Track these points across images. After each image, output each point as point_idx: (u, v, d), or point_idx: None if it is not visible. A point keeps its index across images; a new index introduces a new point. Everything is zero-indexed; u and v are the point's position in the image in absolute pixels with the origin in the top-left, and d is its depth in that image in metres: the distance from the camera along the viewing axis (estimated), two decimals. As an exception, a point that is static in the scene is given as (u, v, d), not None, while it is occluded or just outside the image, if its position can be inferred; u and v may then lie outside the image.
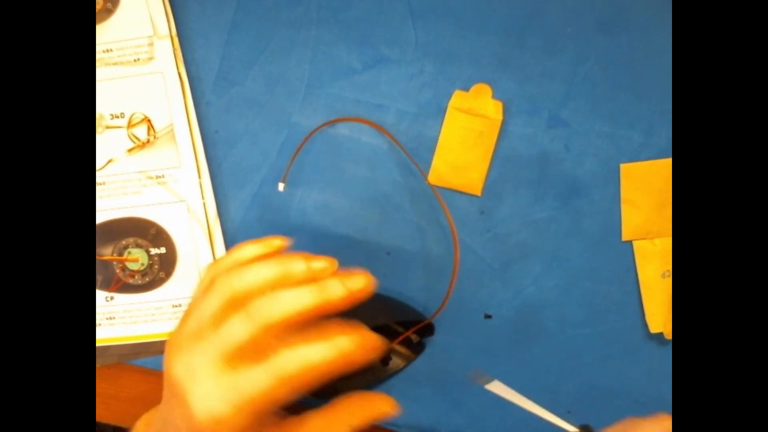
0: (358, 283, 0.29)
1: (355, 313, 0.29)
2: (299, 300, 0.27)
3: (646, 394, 0.41)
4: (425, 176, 0.40)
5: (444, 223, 0.40)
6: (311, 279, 0.29)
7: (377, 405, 0.31)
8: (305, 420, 0.30)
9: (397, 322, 0.39)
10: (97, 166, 0.40)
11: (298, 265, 0.29)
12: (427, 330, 0.40)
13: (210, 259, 0.41)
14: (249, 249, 0.32)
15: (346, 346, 0.27)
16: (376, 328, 0.31)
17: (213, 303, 0.29)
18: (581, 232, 0.40)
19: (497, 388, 0.31)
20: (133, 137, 0.40)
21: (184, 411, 0.27)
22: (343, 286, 0.28)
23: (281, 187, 0.39)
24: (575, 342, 0.41)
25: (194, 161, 0.40)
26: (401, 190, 0.40)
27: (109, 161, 0.40)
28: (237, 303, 0.28)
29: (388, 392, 0.42)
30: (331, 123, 0.39)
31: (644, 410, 0.41)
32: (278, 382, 0.27)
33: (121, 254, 0.41)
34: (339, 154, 0.40)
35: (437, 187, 0.40)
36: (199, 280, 0.33)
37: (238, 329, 0.27)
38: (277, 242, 0.32)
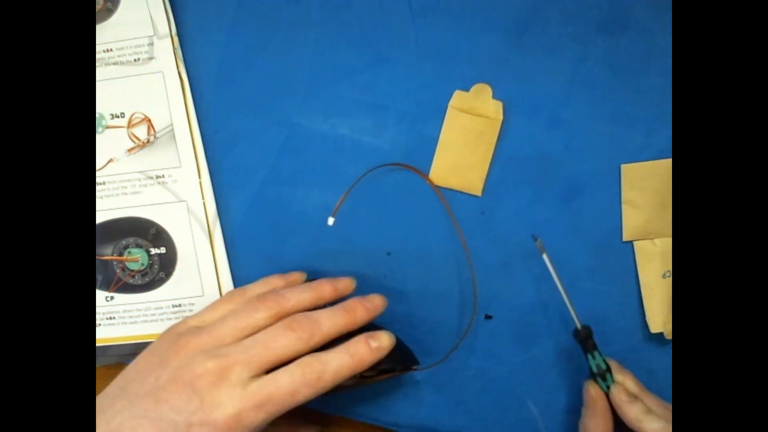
0: (375, 305, 0.35)
1: None
2: (337, 321, 0.33)
3: (647, 395, 0.41)
4: (427, 178, 0.40)
5: (444, 223, 0.40)
6: (337, 297, 0.36)
7: None
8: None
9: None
10: (97, 166, 0.40)
11: (327, 288, 0.35)
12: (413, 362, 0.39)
13: (210, 259, 0.41)
14: (276, 279, 0.37)
15: (362, 352, 0.33)
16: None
17: (258, 316, 0.33)
18: (581, 233, 0.40)
19: (547, 261, 0.37)
20: (133, 137, 0.40)
21: (200, 405, 0.29)
22: (365, 309, 0.34)
23: (331, 221, 0.40)
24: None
25: (194, 161, 0.40)
26: (401, 190, 0.40)
27: (109, 161, 0.40)
28: (280, 318, 0.33)
29: (391, 393, 0.42)
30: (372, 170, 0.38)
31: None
32: (301, 384, 0.30)
33: (121, 254, 0.41)
34: (339, 154, 0.40)
35: (437, 187, 0.40)
36: (223, 298, 0.37)
37: (284, 342, 0.31)
38: (297, 276, 0.38)
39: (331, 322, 0.33)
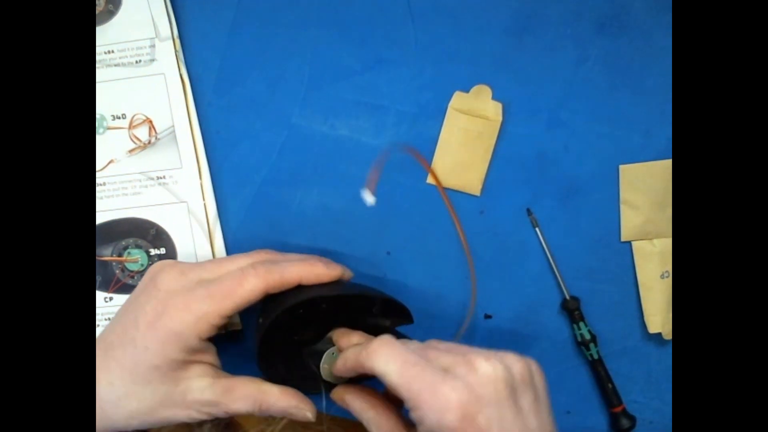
0: (336, 266, 0.35)
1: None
2: (297, 269, 0.34)
3: (646, 394, 0.41)
4: (430, 169, 0.40)
5: (443, 223, 0.40)
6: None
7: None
8: None
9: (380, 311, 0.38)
10: (98, 167, 0.40)
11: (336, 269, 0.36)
12: (405, 318, 0.39)
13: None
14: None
15: (315, 260, 0.35)
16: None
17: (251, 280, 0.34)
18: (580, 233, 0.40)
19: (539, 235, 0.39)
20: (135, 138, 0.40)
21: (157, 295, 0.32)
22: (324, 263, 0.35)
23: (371, 198, 0.40)
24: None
25: (195, 162, 0.40)
26: (401, 190, 0.40)
27: (110, 162, 0.40)
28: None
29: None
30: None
31: (644, 410, 0.41)
32: (249, 273, 0.32)
33: (120, 255, 0.41)
34: (339, 155, 0.40)
35: (437, 187, 0.40)
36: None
37: (245, 259, 0.34)
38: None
39: (293, 269, 0.34)
